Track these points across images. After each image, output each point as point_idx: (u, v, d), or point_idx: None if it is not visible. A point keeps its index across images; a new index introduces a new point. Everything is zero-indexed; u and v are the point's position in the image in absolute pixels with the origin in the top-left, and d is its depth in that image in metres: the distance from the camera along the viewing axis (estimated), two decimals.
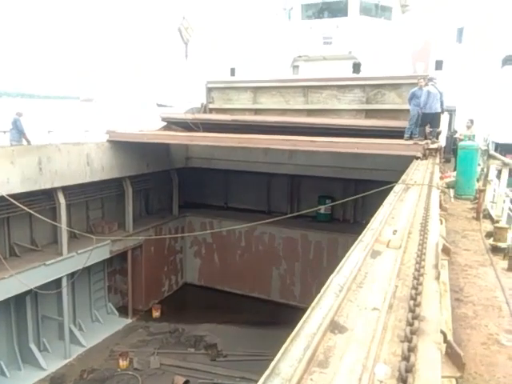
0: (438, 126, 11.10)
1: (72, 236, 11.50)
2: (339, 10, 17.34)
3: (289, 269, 14.71)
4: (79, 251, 11.02)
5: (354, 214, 15.05)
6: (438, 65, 16.51)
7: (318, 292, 2.32)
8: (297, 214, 11.13)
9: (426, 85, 10.80)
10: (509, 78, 13.89)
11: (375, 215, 4.22)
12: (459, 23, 16.13)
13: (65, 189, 10.71)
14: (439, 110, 10.84)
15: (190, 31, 15.56)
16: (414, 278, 2.42)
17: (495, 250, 5.48)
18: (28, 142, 12.61)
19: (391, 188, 5.76)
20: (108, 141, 12.01)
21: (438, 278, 2.53)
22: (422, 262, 2.71)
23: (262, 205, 15.86)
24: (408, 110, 13.10)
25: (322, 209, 14.51)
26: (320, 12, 17.77)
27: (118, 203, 13.27)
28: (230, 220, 14.44)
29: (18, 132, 12.64)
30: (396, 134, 11.95)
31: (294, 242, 14.55)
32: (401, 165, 8.62)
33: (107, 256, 12.21)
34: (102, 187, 12.41)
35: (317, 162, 13.88)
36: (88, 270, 12.20)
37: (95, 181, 11.60)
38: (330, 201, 14.27)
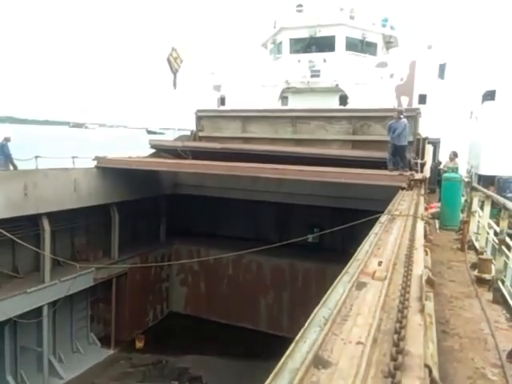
0: (404, 156, 11.48)
1: (56, 263, 11.25)
2: (326, 45, 17.98)
3: (276, 298, 14.53)
4: (62, 279, 10.77)
5: (342, 242, 15.08)
6: (422, 99, 17.08)
7: (305, 323, 2.30)
8: (285, 242, 11.10)
9: (399, 118, 11.17)
10: (489, 114, 14.41)
11: (361, 246, 4.26)
12: (441, 59, 16.77)
13: (50, 215, 10.57)
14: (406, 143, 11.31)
15: (179, 61, 15.89)
16: (399, 310, 2.43)
17: (480, 281, 5.53)
18: (14, 166, 12.50)
19: (377, 218, 5.83)
20: (96, 167, 11.98)
21: (422, 310, 2.54)
22: (407, 295, 2.72)
23: (251, 233, 15.81)
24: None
25: (310, 238, 14.51)
26: (308, 46, 18.39)
27: (104, 229, 13.10)
28: (217, 248, 14.33)
29: (5, 157, 12.55)
30: (382, 164, 12.21)
31: (282, 271, 14.45)
32: (387, 195, 8.75)
33: (91, 284, 11.94)
34: (89, 213, 12.27)
35: (305, 191, 14.00)
36: (70, 299, 11.87)
37: (82, 207, 11.49)
38: (318, 230, 14.30)
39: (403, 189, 9.59)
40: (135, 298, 13.57)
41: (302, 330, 2.17)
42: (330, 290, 2.93)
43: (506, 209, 5.18)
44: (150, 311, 14.70)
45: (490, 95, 14.13)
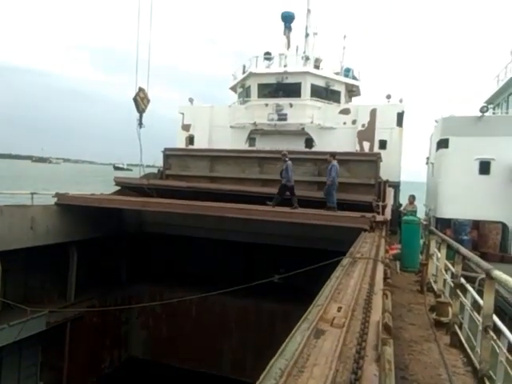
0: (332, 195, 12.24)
1: (6, 305, 10.53)
2: (293, 91, 18.78)
3: (241, 341, 14.12)
4: (11, 323, 10.04)
5: (307, 282, 15.00)
6: (382, 144, 17.92)
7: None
8: (250, 284, 10.97)
9: (331, 160, 12.03)
10: (442, 160, 15.31)
11: (322, 290, 4.27)
12: (399, 108, 17.83)
13: (2, 254, 10.00)
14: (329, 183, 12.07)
15: (146, 101, 16.06)
16: (355, 360, 2.44)
17: (438, 324, 5.65)
18: None
19: (339, 260, 5.92)
20: (56, 204, 11.59)
21: (378, 360, 2.55)
22: (363, 343, 2.74)
23: (216, 272, 15.53)
24: (355, 184, 13.96)
25: (276, 278, 14.41)
26: (275, 91, 19.13)
27: (61, 269, 12.49)
28: (181, 289, 13.92)
29: None
30: (346, 205, 12.54)
31: (247, 313, 14.15)
32: (351, 235, 8.93)
33: (43, 328, 11.18)
34: (46, 252, 11.70)
35: (271, 231, 14.05)
36: (19, 344, 11.04)
37: (38, 245, 10.97)
38: (284, 270, 14.25)
39: (365, 230, 9.85)
40: (91, 343, 12.79)
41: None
42: (288, 338, 2.91)
43: (459, 253, 5.40)
44: (106, 357, 13.85)
45: (444, 143, 15.04)
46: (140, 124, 15.70)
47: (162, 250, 15.97)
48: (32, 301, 11.29)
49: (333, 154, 12.48)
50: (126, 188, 14.66)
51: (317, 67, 21.07)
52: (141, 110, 15.67)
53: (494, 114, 19.67)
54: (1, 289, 10.11)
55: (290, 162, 12.41)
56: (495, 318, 4.24)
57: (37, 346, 11.96)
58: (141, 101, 15.67)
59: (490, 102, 20.74)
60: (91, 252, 13.46)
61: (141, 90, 15.59)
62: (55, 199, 11.76)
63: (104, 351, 13.75)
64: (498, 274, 3.60)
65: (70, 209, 11.81)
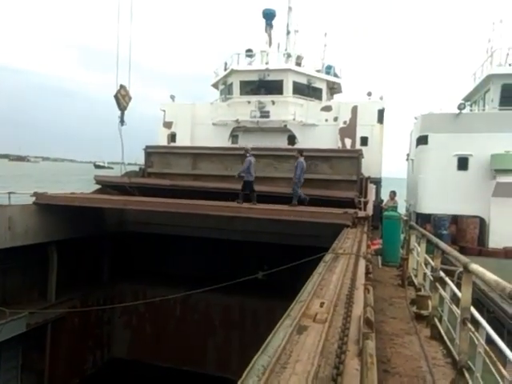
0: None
1: None
2: (275, 88, 18.79)
3: (225, 339, 14.12)
4: None
5: (290, 279, 15.08)
6: (364, 141, 18.11)
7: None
8: (234, 282, 10.96)
9: (298, 157, 12.14)
10: (422, 157, 15.58)
11: (305, 286, 4.30)
12: (380, 105, 18.05)
13: None
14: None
15: (127, 99, 15.85)
16: (336, 355, 2.47)
17: (419, 317, 5.76)
18: None
19: (323, 256, 5.97)
20: (35, 203, 11.34)
21: (359, 354, 2.59)
22: (345, 338, 2.77)
23: (200, 270, 15.47)
24: (337, 181, 14.11)
25: (260, 275, 14.44)
26: (257, 88, 19.11)
27: (41, 270, 12.23)
28: (164, 287, 13.81)
29: None
30: (329, 202, 12.64)
31: (231, 310, 14.15)
32: (334, 231, 9.02)
33: (23, 330, 10.95)
34: (25, 253, 11.44)
35: (256, 228, 14.05)
36: None
37: (17, 246, 10.71)
38: (268, 267, 14.29)
39: (348, 226, 9.96)
40: (73, 344, 12.60)
41: (239, 381, 2.12)
42: (271, 335, 2.92)
43: (438, 247, 5.51)
44: (89, 358, 13.66)
45: (423, 139, 15.31)
46: (122, 121, 15.49)
47: (145, 248, 15.81)
48: (11, 302, 11.04)
49: (300, 151, 12.54)
50: (107, 186, 14.43)
51: (298, 64, 21.13)
52: (122, 108, 15.47)
53: (471, 110, 20.13)
54: None
55: (251, 158, 12.46)
56: (473, 310, 4.35)
57: (17, 348, 11.71)
58: (122, 98, 15.46)
59: (467, 99, 21.19)
60: (72, 252, 13.22)
61: (122, 87, 15.38)
62: (33, 199, 11.48)
63: (86, 352, 13.56)
64: (475, 267, 3.69)
65: (50, 208, 11.56)
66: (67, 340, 12.40)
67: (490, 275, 3.24)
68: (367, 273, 5.81)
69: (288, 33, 21.68)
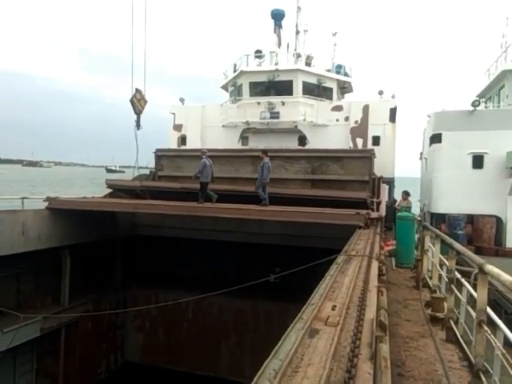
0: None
1: None
2: (284, 89, 18.72)
3: (238, 342, 14.04)
4: (4, 330, 9.90)
5: (302, 281, 14.93)
6: (375, 140, 17.91)
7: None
8: (246, 285, 10.89)
9: (263, 157, 12.30)
10: (436, 155, 15.32)
11: (316, 288, 4.21)
12: (392, 104, 17.84)
13: None
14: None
15: (143, 103, 15.97)
16: (349, 359, 2.38)
17: (434, 320, 5.61)
18: None
19: (335, 258, 5.86)
20: (47, 208, 11.45)
21: (372, 358, 2.50)
22: (358, 341, 2.69)
23: (212, 274, 15.43)
24: (349, 181, 13.95)
25: (272, 277, 14.35)
26: (267, 89, 19.05)
27: (54, 274, 12.33)
28: (176, 291, 13.80)
29: None
30: (341, 203, 12.49)
31: (244, 314, 14.07)
32: (346, 232, 8.89)
33: (37, 335, 11.04)
34: (38, 257, 11.55)
35: (266, 230, 13.97)
36: (14, 351, 10.89)
37: (30, 251, 10.82)
38: (280, 269, 14.19)
39: (360, 227, 9.81)
40: (86, 348, 12.66)
41: None
42: (282, 338, 2.85)
43: (452, 248, 5.37)
44: (102, 362, 13.72)
45: (436, 138, 15.05)
46: (138, 125, 15.64)
47: (157, 252, 15.84)
48: (25, 307, 11.15)
49: (264, 151, 12.71)
50: (118, 190, 14.52)
51: (308, 64, 21.04)
52: (138, 112, 15.60)
53: (485, 107, 19.75)
54: None
55: (206, 160, 12.71)
56: (490, 311, 4.20)
57: (31, 352, 11.82)
58: (137, 102, 15.58)
59: (481, 95, 20.81)
60: (85, 256, 13.32)
61: (137, 91, 15.51)
62: (46, 203, 11.60)
63: (100, 356, 13.62)
64: (490, 268, 3.56)
65: (62, 213, 11.66)
66: (81, 344, 12.46)
67: (505, 276, 3.11)
68: (380, 275, 5.69)
69: (297, 33, 21.60)
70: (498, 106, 17.19)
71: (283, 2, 22.10)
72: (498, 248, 13.82)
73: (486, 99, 20.80)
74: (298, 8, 21.59)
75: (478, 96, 20.69)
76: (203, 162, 12.65)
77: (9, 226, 10.08)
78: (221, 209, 11.39)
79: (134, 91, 15.44)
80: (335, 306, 3.63)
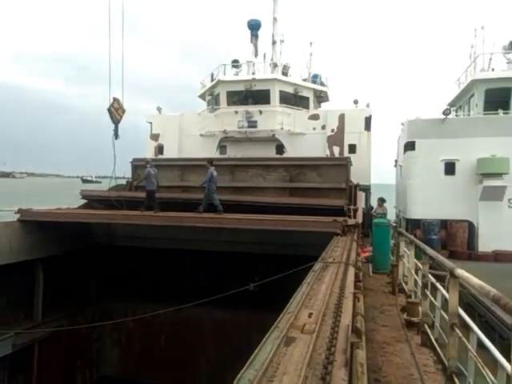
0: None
1: None
2: (262, 98, 18.86)
3: (218, 354, 13.86)
4: None
5: (281, 289, 14.91)
6: (352, 148, 18.21)
7: None
8: (224, 294, 10.81)
9: (208, 167, 12.72)
10: (410, 162, 15.70)
11: (293, 296, 4.23)
12: (367, 113, 18.21)
13: None
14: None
15: (121, 112, 15.77)
16: (324, 366, 2.39)
17: (409, 324, 5.70)
18: None
19: (313, 265, 5.90)
20: (19, 220, 11.10)
21: (346, 364, 2.51)
22: (333, 348, 2.70)
23: (190, 284, 15.23)
24: (326, 189, 14.10)
25: (251, 286, 14.28)
26: (244, 99, 19.15)
27: (27, 288, 11.93)
28: (154, 303, 13.54)
29: None
30: (318, 211, 12.61)
31: (223, 324, 13.93)
32: (324, 240, 8.96)
33: (9, 351, 10.62)
34: (9, 271, 11.16)
35: (244, 239, 13.93)
36: None
37: (1, 264, 10.44)
38: (259, 278, 14.14)
39: (338, 234, 9.92)
40: (61, 364, 12.27)
41: None
42: (258, 347, 2.84)
43: (425, 253, 5.48)
44: (78, 377, 13.30)
45: (410, 145, 15.45)
46: (116, 135, 15.42)
47: (134, 263, 15.54)
48: None
49: (209, 161, 13.04)
50: (94, 201, 14.23)
51: (285, 74, 21.32)
52: (116, 121, 15.37)
53: (456, 116, 20.41)
54: None
55: (151, 169, 12.95)
56: (464, 315, 4.30)
57: (3, 370, 11.34)
58: (115, 111, 15.35)
59: (452, 104, 21.49)
60: (59, 269, 12.94)
61: (115, 100, 15.31)
62: (18, 215, 11.25)
63: (75, 372, 13.21)
64: (460, 272, 3.65)
65: (35, 225, 11.33)
66: (55, 360, 12.07)
67: (474, 280, 3.20)
68: (357, 281, 5.75)
69: (274, 43, 21.85)
70: (469, 115, 17.80)
71: (260, 13, 22.42)
72: (471, 252, 14.21)
73: (456, 108, 21.50)
74: (275, 19, 21.88)
75: (448, 104, 21.37)
76: (147, 171, 12.89)
77: None
78: (197, 218, 11.33)
79: (111, 100, 15.25)
80: (312, 313, 3.65)
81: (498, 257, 13.61)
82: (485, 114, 16.13)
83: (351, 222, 11.28)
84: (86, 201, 14.46)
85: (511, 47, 17.66)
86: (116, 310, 14.40)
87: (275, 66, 20.65)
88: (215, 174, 12.67)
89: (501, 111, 15.27)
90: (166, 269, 15.57)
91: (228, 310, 13.74)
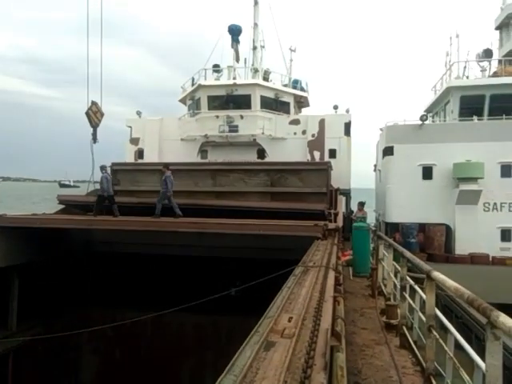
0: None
1: None
2: (243, 103, 18.93)
3: (199, 360, 13.72)
4: None
5: (264, 293, 14.89)
6: (332, 153, 18.44)
7: None
8: (205, 299, 10.72)
9: (165, 171, 12.96)
10: (388, 167, 15.99)
11: (274, 301, 4.22)
12: (346, 118, 18.48)
13: None
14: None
15: (99, 115, 15.56)
16: (303, 370, 2.39)
17: (388, 327, 5.77)
18: None
19: (292, 269, 5.92)
20: None
21: (325, 368, 2.52)
22: (312, 352, 2.71)
23: (172, 289, 15.05)
24: (307, 193, 14.21)
25: (233, 291, 14.22)
26: (226, 103, 19.17)
27: (1, 297, 11.57)
28: (133, 309, 13.31)
29: None
30: (300, 215, 12.68)
31: (205, 329, 13.80)
32: (305, 244, 9.01)
33: None
34: None
35: (226, 244, 13.87)
36: None
37: None
38: (240, 282, 14.09)
39: (318, 238, 9.98)
40: (37, 373, 11.92)
41: None
42: (237, 353, 2.82)
43: (403, 256, 5.57)
44: None
45: (389, 150, 15.74)
46: (94, 139, 15.21)
47: (113, 269, 15.26)
48: None
49: (166, 165, 13.23)
50: (71, 206, 13.94)
51: (266, 79, 21.49)
52: (94, 125, 15.17)
53: (433, 121, 20.93)
54: None
55: (106, 175, 13.13)
56: (442, 316, 4.37)
57: None
58: (94, 115, 15.14)
59: (429, 110, 22.04)
60: (35, 276, 12.60)
61: (93, 103, 15.11)
62: None
63: (52, 381, 12.84)
64: (436, 274, 3.73)
65: (9, 231, 11.01)
66: (31, 369, 11.72)
67: (450, 282, 3.27)
68: (337, 284, 5.79)
69: (254, 48, 21.99)
70: (445, 120, 18.27)
71: (241, 18, 22.53)
72: (448, 255, 14.53)
73: (433, 114, 22.04)
74: (255, 24, 22.05)
75: (426, 110, 21.91)
76: (102, 177, 13.11)
77: None
78: (179, 223, 11.24)
79: (89, 103, 15.04)
80: (291, 317, 3.64)
81: (473, 259, 13.96)
82: (460, 120, 16.58)
83: (332, 225, 11.37)
84: (62, 206, 14.13)
85: (485, 55, 18.29)
86: (94, 318, 14.08)
87: (256, 71, 20.79)
88: (172, 178, 12.84)
89: (475, 118, 15.72)
90: (146, 274, 15.34)
91: (209, 315, 13.64)
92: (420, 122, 15.91)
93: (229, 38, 20.93)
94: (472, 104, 16.47)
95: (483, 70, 17.31)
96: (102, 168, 13.36)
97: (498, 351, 2.66)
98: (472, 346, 3.85)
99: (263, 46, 21.78)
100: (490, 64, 17.79)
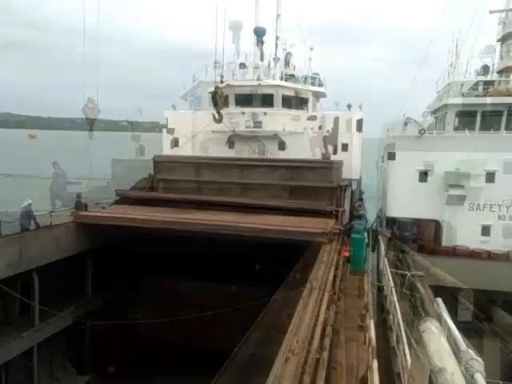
0: None
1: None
2: (266, 101, 21.25)
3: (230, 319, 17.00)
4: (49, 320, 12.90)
5: (280, 270, 17.89)
6: (344, 147, 20.93)
7: None
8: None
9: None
10: (390, 171, 18.60)
11: (291, 325, 7.30)
12: (359, 116, 20.78)
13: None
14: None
15: (96, 111, 16.08)
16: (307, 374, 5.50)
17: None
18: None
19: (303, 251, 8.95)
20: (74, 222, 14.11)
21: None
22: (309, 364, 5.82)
23: (209, 265, 17.23)
24: (323, 188, 16.89)
25: (257, 266, 17.26)
26: (251, 100, 21.50)
27: (79, 273, 15.11)
28: (176, 278, 16.64)
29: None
30: (310, 212, 15.54)
31: (234, 297, 16.87)
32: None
33: (69, 323, 14.06)
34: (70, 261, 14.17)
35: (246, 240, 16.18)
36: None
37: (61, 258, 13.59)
38: (260, 265, 17.09)
39: (324, 243, 12.98)
40: (108, 330, 15.51)
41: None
42: (274, 365, 5.97)
43: (402, 252, 8.48)
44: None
45: (392, 156, 18.20)
46: (90, 136, 16.33)
47: (163, 249, 17.56)
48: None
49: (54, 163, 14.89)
50: (128, 199, 17.10)
51: (287, 63, 23.62)
52: (90, 121, 15.92)
53: (435, 119, 23.30)
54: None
55: (58, 170, 14.97)
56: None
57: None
58: (90, 111, 15.70)
59: (431, 108, 24.16)
60: (101, 259, 15.60)
61: (90, 99, 15.61)
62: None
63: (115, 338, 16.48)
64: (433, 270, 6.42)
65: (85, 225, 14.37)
66: (102, 327, 15.30)
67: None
68: (330, 304, 8.79)
69: (277, 38, 23.74)
70: (443, 128, 20.51)
71: (241, 14, 23.67)
72: (435, 247, 17.39)
73: (433, 113, 24.38)
74: (278, 15, 23.64)
75: (428, 107, 24.34)
76: (54, 172, 14.71)
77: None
78: (216, 226, 14.26)
79: (86, 100, 15.54)
80: (298, 340, 6.73)
81: (455, 251, 16.85)
82: (456, 132, 18.98)
83: (336, 229, 14.27)
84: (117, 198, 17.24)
85: (483, 72, 20.06)
86: (146, 286, 17.46)
87: (278, 60, 22.85)
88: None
89: (467, 131, 18.06)
90: (189, 254, 17.39)
91: (239, 286, 16.75)
92: (421, 125, 18.44)
93: (230, 34, 22.60)
94: (467, 117, 18.78)
95: (473, 88, 19.26)
96: (55, 163, 14.54)
97: None
98: None
99: (278, 37, 23.44)
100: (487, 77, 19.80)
